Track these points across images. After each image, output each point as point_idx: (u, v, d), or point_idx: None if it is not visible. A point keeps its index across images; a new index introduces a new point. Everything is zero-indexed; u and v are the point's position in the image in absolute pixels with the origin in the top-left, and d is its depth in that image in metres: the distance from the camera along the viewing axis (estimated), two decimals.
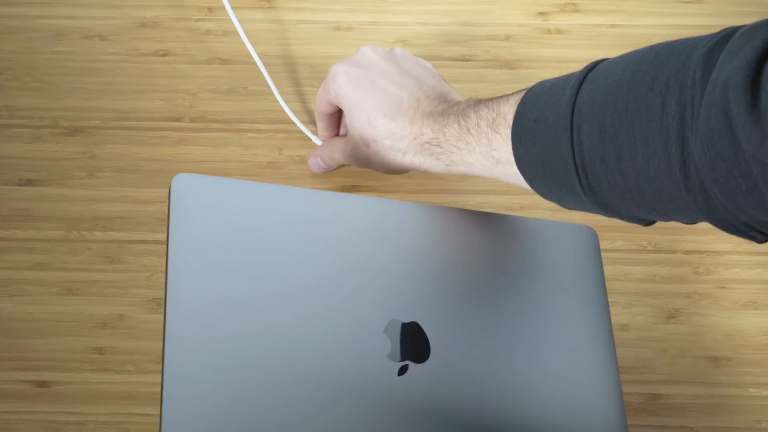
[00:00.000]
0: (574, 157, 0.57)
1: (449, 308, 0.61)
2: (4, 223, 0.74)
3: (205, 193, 0.59)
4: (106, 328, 0.71)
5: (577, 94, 0.57)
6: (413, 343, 0.58)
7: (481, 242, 0.65)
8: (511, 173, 0.63)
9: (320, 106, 0.74)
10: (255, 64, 0.78)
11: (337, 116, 0.75)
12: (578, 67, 0.81)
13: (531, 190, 0.63)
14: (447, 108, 0.67)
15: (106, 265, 0.73)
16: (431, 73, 0.72)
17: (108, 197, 0.75)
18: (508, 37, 0.83)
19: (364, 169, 0.76)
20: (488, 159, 0.63)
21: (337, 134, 0.76)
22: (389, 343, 0.57)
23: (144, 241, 0.74)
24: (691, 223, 0.56)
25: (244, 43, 0.78)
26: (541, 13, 0.84)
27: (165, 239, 0.74)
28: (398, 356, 0.57)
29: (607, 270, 0.75)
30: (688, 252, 0.76)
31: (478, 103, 0.65)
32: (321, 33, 0.83)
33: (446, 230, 0.64)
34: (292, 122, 0.78)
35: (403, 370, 0.57)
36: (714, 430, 0.70)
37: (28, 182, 0.76)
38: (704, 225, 0.76)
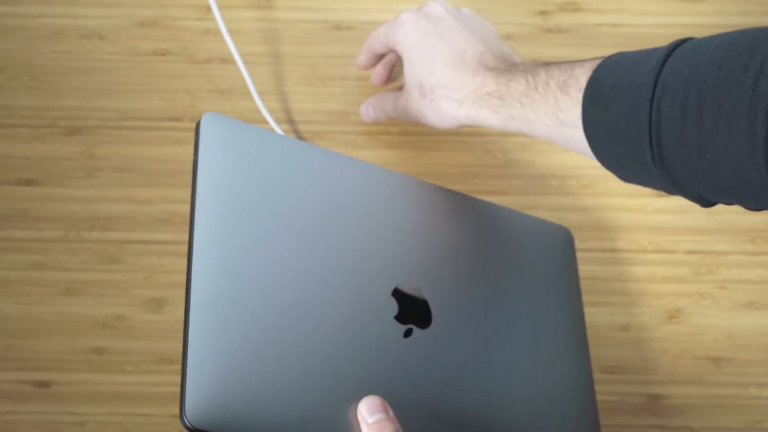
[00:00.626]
0: (650, 126, 0.56)
1: (447, 282, 0.65)
2: (3, 223, 0.74)
3: (231, 135, 0.61)
4: (105, 328, 0.71)
5: (662, 65, 0.56)
6: (417, 310, 0.62)
7: (476, 227, 0.69)
8: (574, 137, 0.62)
9: (375, 45, 0.76)
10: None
11: (381, 58, 0.77)
12: None
13: (588, 158, 0.63)
14: (511, 65, 0.68)
15: (105, 265, 0.73)
16: (495, 35, 0.73)
17: (107, 197, 0.75)
18: (508, 36, 0.83)
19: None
20: (553, 119, 0.63)
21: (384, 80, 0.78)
22: (396, 307, 0.61)
23: (143, 242, 0.74)
24: (756, 210, 0.55)
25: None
26: (542, 12, 0.84)
27: (164, 239, 0.74)
28: (404, 319, 0.61)
29: (608, 270, 0.75)
30: (688, 252, 0.76)
31: (549, 64, 0.65)
32: (321, 32, 0.82)
33: (446, 210, 0.68)
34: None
35: (408, 333, 0.61)
36: (714, 431, 0.70)
37: (27, 182, 0.75)
38: (706, 225, 0.77)
